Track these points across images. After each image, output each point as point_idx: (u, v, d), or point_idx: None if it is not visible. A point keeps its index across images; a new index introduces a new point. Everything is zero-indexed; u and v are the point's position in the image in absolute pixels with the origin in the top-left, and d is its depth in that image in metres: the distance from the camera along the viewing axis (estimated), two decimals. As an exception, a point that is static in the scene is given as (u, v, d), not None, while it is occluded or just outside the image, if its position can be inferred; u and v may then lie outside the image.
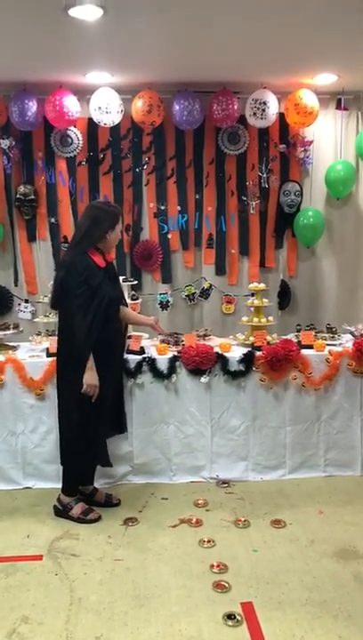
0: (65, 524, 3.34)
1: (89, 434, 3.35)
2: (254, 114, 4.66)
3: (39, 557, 3.01)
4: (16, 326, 4.13)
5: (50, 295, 3.49)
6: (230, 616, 2.52)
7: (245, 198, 5.09)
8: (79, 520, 3.36)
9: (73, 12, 3.08)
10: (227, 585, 2.75)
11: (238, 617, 2.52)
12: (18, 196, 4.83)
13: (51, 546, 3.13)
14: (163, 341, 3.99)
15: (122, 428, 3.68)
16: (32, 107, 4.51)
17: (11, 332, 4.04)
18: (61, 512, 3.41)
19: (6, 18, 3.20)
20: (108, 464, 3.65)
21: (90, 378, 3.17)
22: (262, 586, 2.75)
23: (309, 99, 4.64)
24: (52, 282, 3.56)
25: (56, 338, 3.46)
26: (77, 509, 3.39)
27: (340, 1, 3.03)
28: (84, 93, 4.64)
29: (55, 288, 3.34)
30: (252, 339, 3.94)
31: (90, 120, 4.73)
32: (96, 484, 3.63)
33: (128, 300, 4.07)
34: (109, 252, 3.44)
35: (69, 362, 3.24)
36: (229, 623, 2.48)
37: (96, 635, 2.42)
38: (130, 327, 3.90)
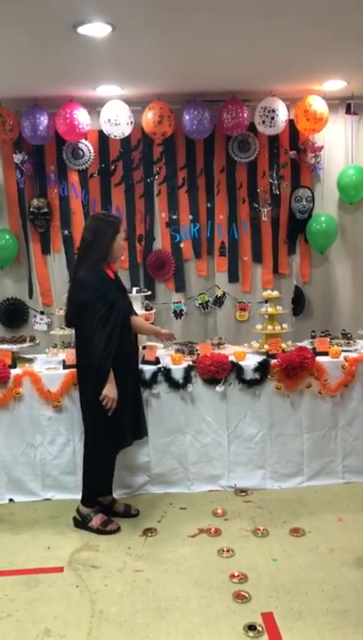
0: (85, 536, 3.37)
1: (112, 445, 3.41)
2: (264, 122, 4.67)
3: (60, 569, 3.04)
4: (32, 339, 4.17)
5: (65, 312, 3.49)
6: (251, 627, 2.52)
7: (256, 205, 5.09)
8: (99, 531, 3.38)
9: (82, 29, 3.12)
10: (247, 595, 2.75)
11: (259, 628, 2.52)
12: (31, 209, 4.88)
13: (71, 557, 3.15)
14: (177, 351, 4.01)
15: (141, 434, 3.69)
16: (43, 121, 4.57)
17: (27, 344, 4.09)
18: (81, 523, 3.44)
19: (16, 36, 3.24)
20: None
21: (109, 391, 3.20)
22: (282, 596, 2.75)
23: (318, 105, 4.64)
24: (66, 295, 3.59)
25: (73, 350, 3.51)
26: (97, 520, 3.41)
27: (347, 7, 3.02)
28: (94, 106, 4.68)
29: (72, 306, 3.35)
30: (266, 346, 3.94)
31: (100, 132, 4.77)
32: (114, 495, 3.65)
33: (142, 311, 4.11)
34: (115, 263, 3.48)
35: (91, 377, 3.26)
36: (251, 634, 2.48)
37: (118, 647, 2.44)
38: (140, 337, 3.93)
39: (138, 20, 3.08)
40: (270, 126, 4.67)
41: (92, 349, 3.19)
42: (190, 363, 3.84)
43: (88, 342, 3.23)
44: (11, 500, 3.80)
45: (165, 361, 3.88)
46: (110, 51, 3.50)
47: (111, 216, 3.59)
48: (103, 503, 3.55)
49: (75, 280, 3.45)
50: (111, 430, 3.34)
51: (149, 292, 4.63)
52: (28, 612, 2.69)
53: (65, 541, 3.32)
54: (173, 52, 3.65)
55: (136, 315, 3.72)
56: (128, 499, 3.74)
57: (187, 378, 3.78)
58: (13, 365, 3.85)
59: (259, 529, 3.36)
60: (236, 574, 2.91)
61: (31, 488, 3.80)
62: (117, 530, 3.40)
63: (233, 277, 5.15)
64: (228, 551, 3.14)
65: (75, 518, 3.48)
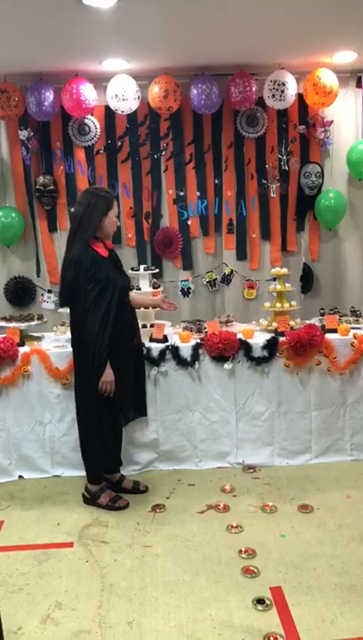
0: (94, 512, 3.40)
1: (110, 423, 3.41)
2: (273, 95, 4.58)
3: (70, 545, 3.07)
4: (40, 317, 4.16)
5: (59, 291, 3.39)
6: (260, 601, 2.55)
7: (265, 182, 5.03)
8: (108, 507, 3.41)
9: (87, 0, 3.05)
10: (256, 570, 2.77)
11: (268, 602, 2.54)
12: (37, 186, 4.84)
13: (81, 533, 3.18)
14: (186, 329, 3.99)
15: (142, 411, 3.71)
16: (49, 96, 4.49)
17: (35, 322, 4.08)
18: (90, 500, 3.47)
19: (19, 9, 3.18)
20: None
21: (106, 375, 3.19)
22: (290, 571, 2.77)
23: (328, 78, 4.54)
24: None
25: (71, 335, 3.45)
26: (105, 497, 3.44)
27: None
28: (100, 81, 4.60)
29: (64, 286, 3.29)
30: (275, 324, 3.92)
31: (107, 108, 4.70)
32: (123, 472, 3.68)
33: (150, 289, 4.08)
34: (108, 240, 3.39)
35: (85, 357, 3.23)
36: (259, 608, 2.51)
37: (128, 620, 2.47)
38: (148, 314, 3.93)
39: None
40: (280, 100, 4.59)
41: (87, 332, 3.15)
42: (198, 340, 3.83)
43: (82, 324, 3.19)
44: (20, 476, 3.84)
45: (173, 339, 3.88)
46: (117, 22, 3.42)
47: (104, 190, 3.47)
48: (112, 480, 3.58)
49: (66, 258, 3.30)
50: (104, 410, 3.32)
51: (157, 270, 4.60)
52: (39, 586, 2.72)
53: (74, 517, 3.35)
54: (180, 24, 3.57)
55: (135, 289, 3.67)
56: (137, 475, 3.77)
57: (195, 355, 3.77)
58: (22, 343, 3.86)
59: (267, 505, 3.38)
60: (244, 550, 2.94)
61: (40, 465, 3.83)
62: (126, 506, 3.43)
63: (241, 255, 5.11)
64: (236, 527, 3.16)
65: (84, 495, 3.51)
